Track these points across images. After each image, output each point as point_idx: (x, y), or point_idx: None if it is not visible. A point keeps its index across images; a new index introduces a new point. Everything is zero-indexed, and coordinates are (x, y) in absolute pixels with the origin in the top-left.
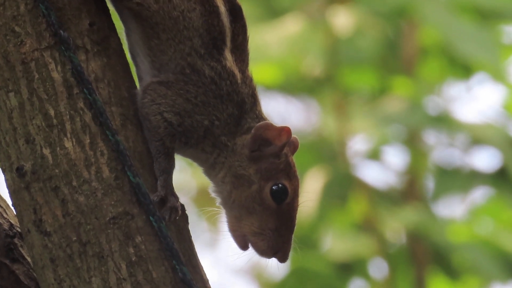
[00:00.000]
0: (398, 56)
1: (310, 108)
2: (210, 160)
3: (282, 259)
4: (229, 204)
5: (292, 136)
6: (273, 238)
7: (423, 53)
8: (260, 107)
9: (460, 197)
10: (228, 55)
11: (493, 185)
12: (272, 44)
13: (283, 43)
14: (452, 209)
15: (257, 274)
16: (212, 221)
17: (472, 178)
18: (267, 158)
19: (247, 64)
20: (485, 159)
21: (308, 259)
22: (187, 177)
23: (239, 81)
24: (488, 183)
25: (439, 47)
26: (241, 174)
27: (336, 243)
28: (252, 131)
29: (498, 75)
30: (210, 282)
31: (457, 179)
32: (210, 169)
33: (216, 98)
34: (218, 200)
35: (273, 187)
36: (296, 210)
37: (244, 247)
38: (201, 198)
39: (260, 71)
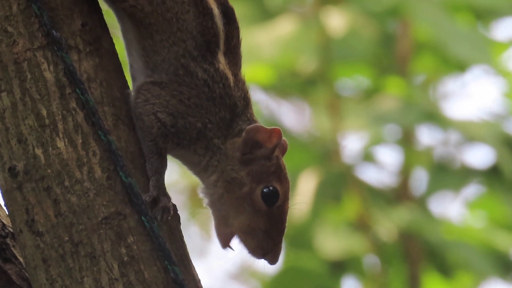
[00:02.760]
0: (391, 55)
1: (303, 108)
2: (202, 163)
3: (272, 261)
4: (218, 206)
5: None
6: (263, 239)
7: (416, 52)
8: (252, 110)
9: (453, 194)
10: (221, 58)
11: (486, 183)
12: (265, 45)
13: (276, 44)
14: (446, 206)
15: (248, 275)
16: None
17: (465, 175)
18: (259, 160)
19: (239, 67)
20: (478, 156)
21: (301, 257)
22: (178, 178)
23: (231, 84)
24: (481, 181)
25: (432, 45)
26: (233, 177)
27: (329, 242)
28: (243, 134)
29: (491, 73)
30: (202, 283)
31: (450, 176)
32: (202, 172)
33: (208, 100)
34: (205, 201)
35: (264, 190)
36: (287, 212)
37: (225, 245)
38: (193, 200)
39: (253, 72)
